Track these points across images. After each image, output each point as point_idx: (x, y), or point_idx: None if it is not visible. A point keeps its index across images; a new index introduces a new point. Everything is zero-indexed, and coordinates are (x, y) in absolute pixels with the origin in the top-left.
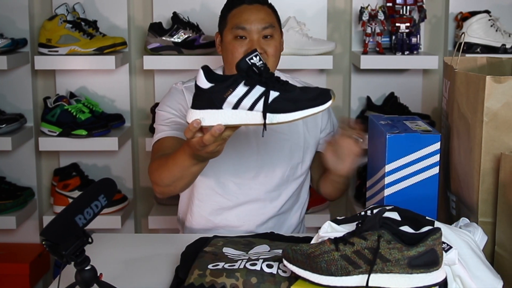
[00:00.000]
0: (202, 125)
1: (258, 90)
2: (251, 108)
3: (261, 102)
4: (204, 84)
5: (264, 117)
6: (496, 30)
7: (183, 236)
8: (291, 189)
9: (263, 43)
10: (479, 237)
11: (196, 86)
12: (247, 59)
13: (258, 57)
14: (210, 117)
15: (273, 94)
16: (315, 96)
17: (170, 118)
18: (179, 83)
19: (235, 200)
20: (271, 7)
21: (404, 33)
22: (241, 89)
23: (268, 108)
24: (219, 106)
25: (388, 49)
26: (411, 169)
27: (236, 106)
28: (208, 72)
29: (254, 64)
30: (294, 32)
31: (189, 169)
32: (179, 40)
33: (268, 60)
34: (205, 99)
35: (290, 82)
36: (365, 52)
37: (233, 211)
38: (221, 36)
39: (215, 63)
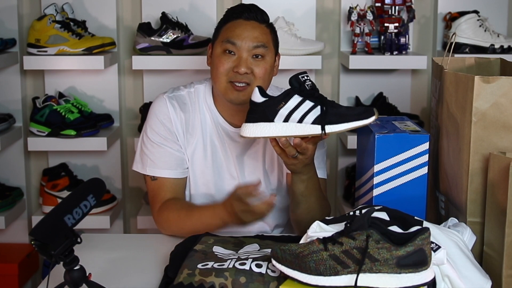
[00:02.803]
0: (255, 137)
1: (308, 104)
2: (301, 120)
3: (310, 115)
4: (259, 98)
5: (323, 128)
6: (485, 30)
7: (172, 236)
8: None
9: (252, 62)
10: (468, 237)
11: (251, 102)
12: (299, 76)
13: (308, 78)
14: (261, 129)
15: (321, 108)
16: (360, 112)
17: (161, 150)
18: (166, 93)
19: None
20: (270, 26)
21: (393, 33)
22: (293, 102)
23: (316, 121)
24: (271, 119)
25: (377, 49)
26: (400, 169)
27: (287, 119)
28: (262, 90)
29: (305, 81)
30: (282, 32)
31: (212, 227)
32: (168, 40)
33: (254, 82)
34: (259, 112)
35: None
36: (353, 52)
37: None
38: (212, 48)
39: (204, 63)
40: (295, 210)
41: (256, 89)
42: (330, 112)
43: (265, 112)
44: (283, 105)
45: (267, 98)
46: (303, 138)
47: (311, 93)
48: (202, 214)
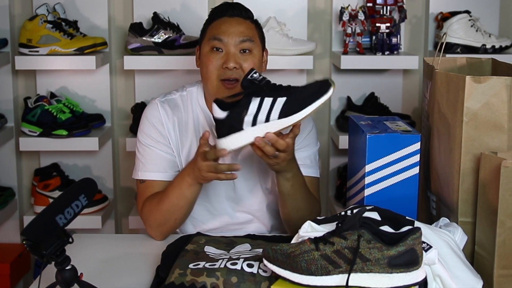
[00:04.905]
0: (231, 150)
1: (268, 101)
2: (267, 119)
3: (274, 112)
4: (220, 114)
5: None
6: (476, 30)
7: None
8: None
9: (240, 57)
10: (459, 237)
11: (215, 119)
12: (248, 77)
13: (257, 74)
14: (235, 140)
15: (281, 100)
16: (316, 90)
17: (152, 153)
18: (158, 98)
19: (212, 224)
20: (255, 22)
21: (385, 33)
22: (253, 105)
23: (282, 114)
24: (240, 128)
25: (369, 49)
26: (391, 169)
27: (254, 123)
28: (220, 103)
29: (255, 79)
30: (274, 32)
31: (185, 195)
32: (160, 40)
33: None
34: (226, 127)
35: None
36: (345, 52)
37: (213, 232)
38: (200, 49)
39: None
40: (283, 210)
41: (215, 106)
42: (290, 100)
43: (232, 124)
44: (246, 113)
45: (228, 111)
46: (278, 134)
47: (266, 88)
48: (172, 182)
